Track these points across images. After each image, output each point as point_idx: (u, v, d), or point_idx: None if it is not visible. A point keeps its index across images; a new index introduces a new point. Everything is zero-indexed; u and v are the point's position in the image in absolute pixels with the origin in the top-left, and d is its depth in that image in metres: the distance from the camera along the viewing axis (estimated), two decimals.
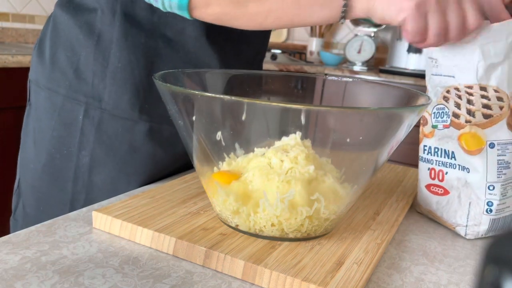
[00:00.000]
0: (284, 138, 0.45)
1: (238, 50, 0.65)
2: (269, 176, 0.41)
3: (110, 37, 0.58)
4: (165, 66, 0.59)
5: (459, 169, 0.50)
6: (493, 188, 0.48)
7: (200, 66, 0.61)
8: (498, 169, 0.47)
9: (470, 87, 0.47)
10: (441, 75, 0.50)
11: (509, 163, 0.47)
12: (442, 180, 0.52)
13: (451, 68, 0.49)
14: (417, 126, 0.50)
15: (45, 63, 0.62)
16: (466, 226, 0.50)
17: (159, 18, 0.58)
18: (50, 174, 0.62)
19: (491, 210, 0.48)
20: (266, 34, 0.71)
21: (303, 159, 0.43)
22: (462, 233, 0.50)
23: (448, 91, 0.50)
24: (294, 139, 0.45)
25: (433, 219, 0.55)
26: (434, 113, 0.52)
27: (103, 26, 0.58)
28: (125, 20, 0.57)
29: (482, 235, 0.49)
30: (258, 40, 0.69)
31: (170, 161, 0.62)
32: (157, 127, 0.60)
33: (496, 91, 0.46)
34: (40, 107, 0.63)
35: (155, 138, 0.60)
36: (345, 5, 0.47)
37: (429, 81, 0.53)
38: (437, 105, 0.51)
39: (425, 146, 0.53)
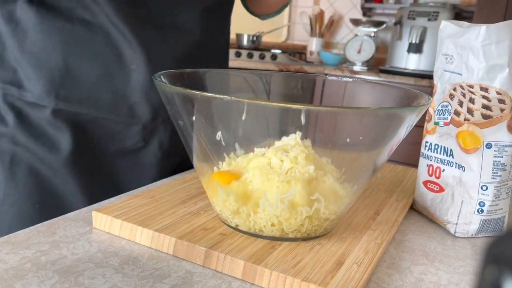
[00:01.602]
0: (284, 138, 0.45)
1: (164, 36, 0.63)
2: (269, 176, 0.41)
3: (27, 23, 0.59)
4: (85, 50, 0.60)
5: (455, 167, 0.50)
6: (486, 188, 0.48)
7: (120, 50, 0.60)
8: (493, 170, 0.47)
9: (471, 86, 0.47)
10: (452, 72, 0.50)
11: (506, 165, 0.47)
12: (438, 177, 0.52)
13: (461, 66, 0.49)
14: (417, 126, 0.50)
15: None
16: (456, 224, 0.50)
17: (76, 2, 0.58)
18: None
19: (482, 211, 0.48)
20: (206, 24, 0.66)
21: (303, 159, 0.43)
22: (452, 231, 0.50)
23: (454, 89, 0.50)
24: (294, 139, 0.45)
25: (427, 216, 0.55)
26: (438, 110, 0.52)
27: (22, 12, 0.59)
28: (41, 6, 0.58)
29: (472, 234, 0.49)
30: (190, 27, 0.65)
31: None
32: (75, 112, 0.61)
33: (498, 93, 0.46)
34: None
35: (74, 124, 0.61)
36: None
37: (439, 78, 0.52)
38: (443, 102, 0.51)
39: (426, 142, 0.53)
